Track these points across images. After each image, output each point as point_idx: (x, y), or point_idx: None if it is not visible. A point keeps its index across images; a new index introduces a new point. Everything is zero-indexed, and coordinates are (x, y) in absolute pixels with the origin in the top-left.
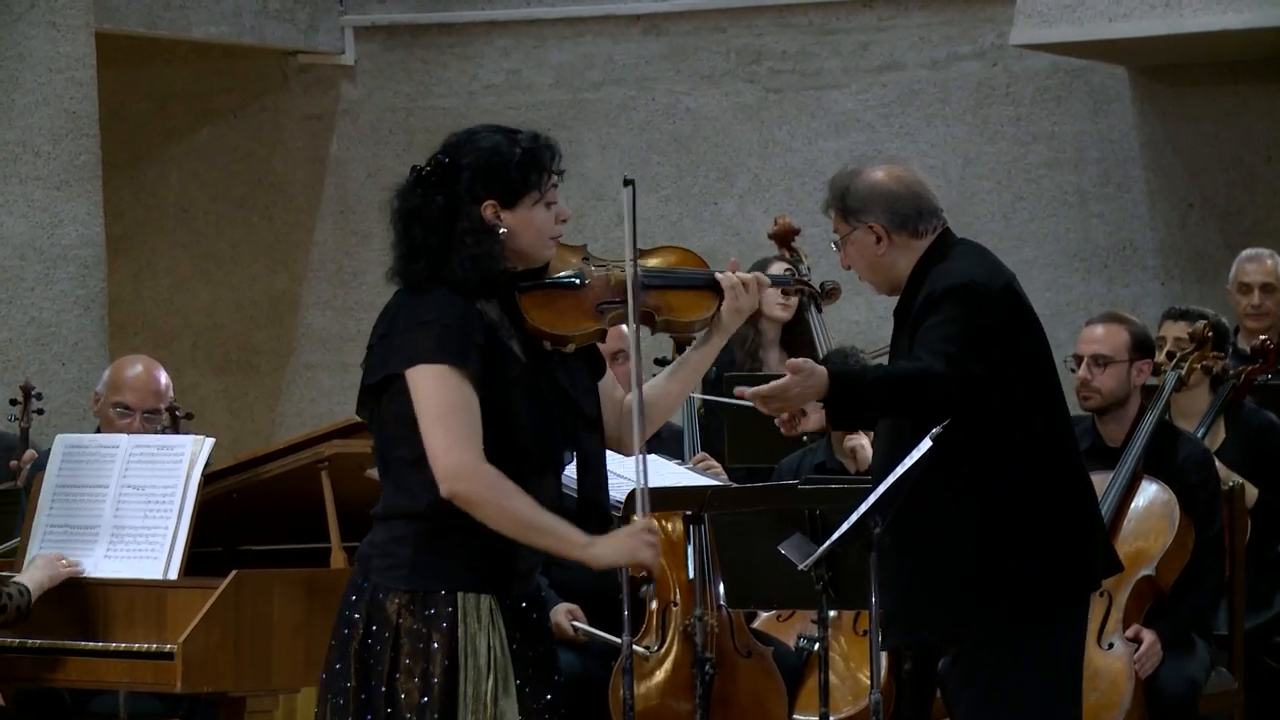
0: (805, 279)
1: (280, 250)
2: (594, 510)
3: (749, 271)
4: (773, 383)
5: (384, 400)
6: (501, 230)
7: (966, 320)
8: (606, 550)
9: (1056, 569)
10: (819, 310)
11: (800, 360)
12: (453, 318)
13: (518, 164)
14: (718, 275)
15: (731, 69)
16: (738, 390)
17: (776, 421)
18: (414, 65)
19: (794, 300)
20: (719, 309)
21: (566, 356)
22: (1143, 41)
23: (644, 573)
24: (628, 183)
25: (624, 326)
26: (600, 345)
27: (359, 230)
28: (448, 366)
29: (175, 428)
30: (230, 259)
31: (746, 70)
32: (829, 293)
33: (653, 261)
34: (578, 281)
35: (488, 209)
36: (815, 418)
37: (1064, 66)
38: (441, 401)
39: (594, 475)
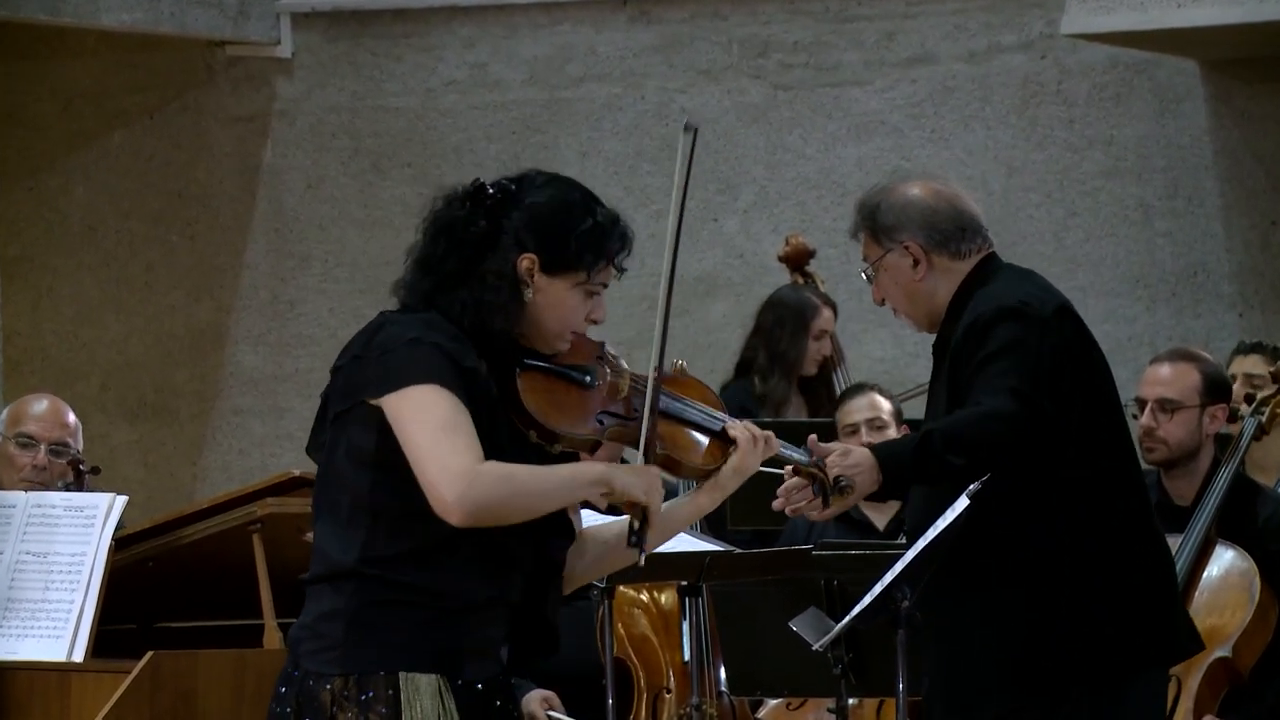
0: (821, 467)
1: (204, 275)
2: (544, 629)
3: (767, 298)
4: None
5: (339, 431)
6: (528, 291)
7: (1025, 347)
8: (627, 477)
9: (1128, 624)
10: (826, 504)
11: (829, 445)
12: (446, 339)
13: (580, 233)
14: (730, 426)
15: (734, 63)
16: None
17: (789, 511)
18: (361, 58)
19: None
20: (722, 465)
21: (545, 456)
22: (1216, 31)
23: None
24: (689, 129)
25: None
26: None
27: (296, 252)
28: (439, 385)
29: (80, 484)
30: (145, 285)
31: (752, 64)
32: (842, 490)
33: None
34: (587, 380)
35: (524, 261)
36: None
37: (1124, 60)
38: (435, 418)
39: (554, 589)
